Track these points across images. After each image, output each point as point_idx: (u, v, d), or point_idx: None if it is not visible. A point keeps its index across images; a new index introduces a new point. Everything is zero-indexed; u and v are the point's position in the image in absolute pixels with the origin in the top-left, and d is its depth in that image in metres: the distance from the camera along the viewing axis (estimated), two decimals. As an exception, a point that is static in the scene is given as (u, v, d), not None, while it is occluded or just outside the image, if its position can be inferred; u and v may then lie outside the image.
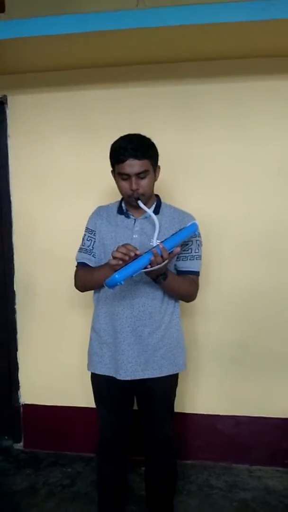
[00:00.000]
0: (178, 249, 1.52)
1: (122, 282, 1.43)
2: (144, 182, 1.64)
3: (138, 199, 1.64)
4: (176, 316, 1.82)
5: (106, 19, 1.88)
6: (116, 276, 1.42)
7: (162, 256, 1.46)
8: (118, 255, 1.47)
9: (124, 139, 1.65)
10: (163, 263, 1.47)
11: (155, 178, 1.72)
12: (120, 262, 1.47)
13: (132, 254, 1.47)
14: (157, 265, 1.46)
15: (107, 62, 2.29)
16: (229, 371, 2.43)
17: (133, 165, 1.60)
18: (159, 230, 1.62)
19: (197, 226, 1.63)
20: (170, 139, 2.29)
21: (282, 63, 2.22)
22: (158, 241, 1.51)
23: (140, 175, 1.62)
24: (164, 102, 2.33)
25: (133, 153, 1.59)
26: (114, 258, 1.48)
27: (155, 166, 1.71)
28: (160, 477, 1.89)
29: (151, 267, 1.47)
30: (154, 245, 1.49)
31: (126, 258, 1.46)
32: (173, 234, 1.56)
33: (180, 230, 1.58)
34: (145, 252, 1.48)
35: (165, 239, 1.52)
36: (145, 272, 1.52)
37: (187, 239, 1.68)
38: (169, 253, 1.48)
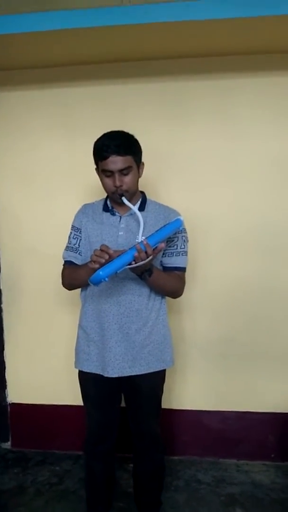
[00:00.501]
0: (163, 245, 1.52)
1: (107, 279, 1.44)
2: (127, 179, 1.64)
3: (122, 195, 1.64)
4: (163, 313, 1.82)
5: (92, 16, 1.89)
6: (100, 272, 1.43)
7: (146, 252, 1.46)
8: (94, 258, 1.48)
9: (107, 136, 1.65)
10: (147, 259, 1.47)
11: (139, 174, 1.72)
12: (97, 265, 1.47)
13: (107, 256, 1.47)
14: (141, 261, 1.47)
15: (94, 59, 2.29)
16: (216, 367, 2.45)
17: (116, 162, 1.60)
18: (144, 227, 1.62)
19: (182, 222, 1.64)
20: (156, 135, 2.30)
21: (270, 60, 2.24)
22: (143, 237, 1.51)
23: (123, 172, 1.62)
24: (150, 99, 2.34)
25: (116, 149, 1.59)
26: (93, 261, 1.49)
27: (139, 163, 1.71)
28: (148, 474, 1.90)
29: (136, 263, 1.47)
30: (139, 241, 1.49)
31: (102, 260, 1.46)
32: (157, 230, 1.56)
33: (164, 226, 1.59)
34: (129, 248, 1.48)
35: (149, 235, 1.52)
36: (130, 269, 1.52)
37: (172, 235, 1.68)
38: (154, 249, 1.49)
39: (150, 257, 1.48)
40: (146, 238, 1.50)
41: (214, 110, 2.31)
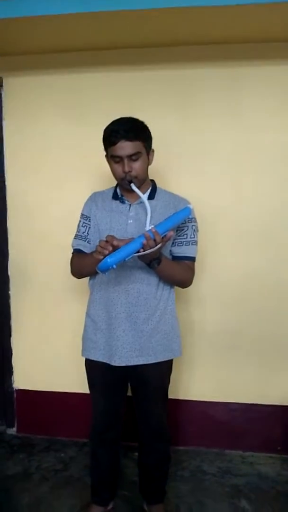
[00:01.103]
0: (172, 233, 1.51)
1: (115, 266, 1.42)
2: (136, 165, 1.62)
3: (131, 182, 1.62)
4: (172, 302, 1.81)
5: (102, 0, 1.84)
6: (108, 260, 1.41)
7: (154, 240, 1.44)
8: (98, 249, 1.47)
9: (116, 122, 1.63)
10: (155, 247, 1.46)
11: (148, 161, 1.69)
12: (101, 256, 1.45)
13: (110, 248, 1.45)
14: (149, 249, 1.45)
15: (105, 45, 2.25)
16: (223, 358, 2.43)
17: (124, 147, 1.58)
18: (153, 215, 1.60)
19: (191, 210, 1.61)
20: (168, 124, 2.27)
21: (282, 49, 2.18)
22: (151, 225, 1.49)
23: (132, 157, 1.60)
24: (161, 87, 2.30)
25: (125, 134, 1.57)
26: (98, 251, 1.47)
27: (148, 149, 1.68)
28: (153, 463, 1.90)
29: (144, 251, 1.45)
30: (147, 229, 1.47)
31: (106, 252, 1.45)
32: (166, 218, 1.54)
33: (173, 214, 1.57)
34: (138, 236, 1.47)
35: (158, 223, 1.50)
36: (138, 257, 1.50)
37: (182, 223, 1.66)
38: (162, 237, 1.47)
39: (159, 245, 1.47)
40: (155, 226, 1.48)
41: (224, 99, 2.27)
